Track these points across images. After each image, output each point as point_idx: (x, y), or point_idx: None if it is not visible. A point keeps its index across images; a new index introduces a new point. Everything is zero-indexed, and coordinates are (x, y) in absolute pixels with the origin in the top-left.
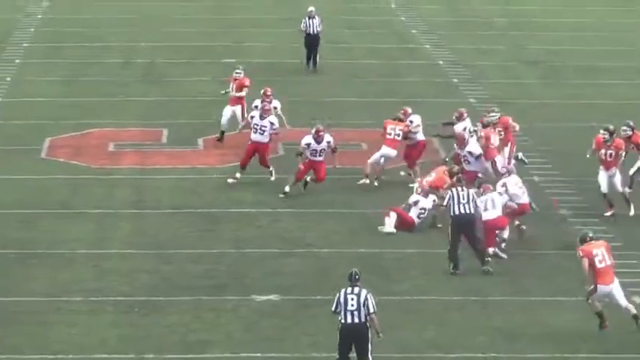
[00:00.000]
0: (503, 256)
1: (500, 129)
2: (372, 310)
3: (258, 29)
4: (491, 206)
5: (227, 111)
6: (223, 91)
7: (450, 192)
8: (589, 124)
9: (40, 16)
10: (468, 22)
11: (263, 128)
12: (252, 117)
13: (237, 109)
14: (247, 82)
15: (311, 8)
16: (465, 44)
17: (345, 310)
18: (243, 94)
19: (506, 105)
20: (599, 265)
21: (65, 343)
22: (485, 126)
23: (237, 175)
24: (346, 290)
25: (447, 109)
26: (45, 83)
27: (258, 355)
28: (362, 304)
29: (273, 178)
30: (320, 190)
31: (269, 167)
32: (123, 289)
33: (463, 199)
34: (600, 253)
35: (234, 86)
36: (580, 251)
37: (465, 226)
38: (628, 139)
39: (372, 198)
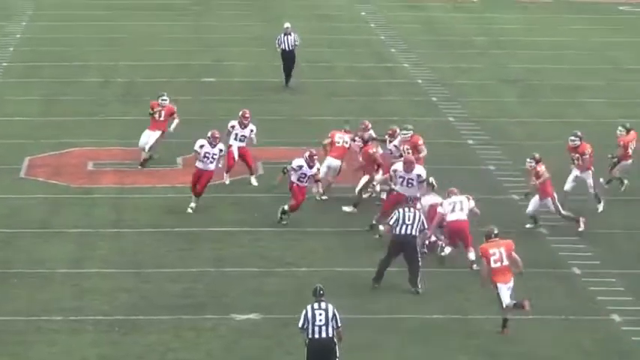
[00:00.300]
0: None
1: (408, 147)
2: (339, 324)
3: (238, 48)
4: (459, 208)
5: (146, 134)
6: (151, 112)
7: (396, 212)
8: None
9: (18, 36)
10: (447, 41)
11: (214, 156)
12: (232, 126)
13: (156, 133)
14: (175, 109)
15: (287, 25)
16: (444, 63)
17: (314, 325)
18: (174, 120)
19: (485, 123)
20: (494, 265)
21: None
22: (365, 141)
23: (193, 204)
24: (313, 306)
25: (426, 127)
26: (24, 102)
27: None
28: (330, 319)
29: (190, 209)
30: (300, 209)
31: (201, 195)
32: (103, 308)
33: (408, 220)
34: (498, 252)
35: (164, 112)
36: (480, 250)
37: (405, 247)
38: (575, 148)
39: (351, 217)
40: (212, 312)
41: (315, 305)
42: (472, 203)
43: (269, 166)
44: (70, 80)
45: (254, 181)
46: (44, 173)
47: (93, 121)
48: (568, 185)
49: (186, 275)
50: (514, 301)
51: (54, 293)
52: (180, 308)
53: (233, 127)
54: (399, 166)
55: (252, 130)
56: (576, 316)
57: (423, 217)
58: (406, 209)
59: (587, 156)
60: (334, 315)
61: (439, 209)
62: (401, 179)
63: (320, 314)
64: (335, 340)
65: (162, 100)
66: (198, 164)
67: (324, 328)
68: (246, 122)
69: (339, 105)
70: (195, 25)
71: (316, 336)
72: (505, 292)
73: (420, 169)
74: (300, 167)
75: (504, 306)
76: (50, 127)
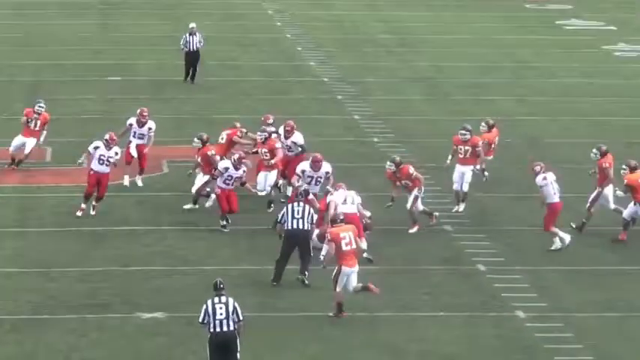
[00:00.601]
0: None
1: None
2: (241, 318)
3: (144, 47)
4: (350, 201)
5: (19, 140)
6: (27, 120)
7: (285, 207)
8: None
9: None
10: (353, 39)
11: (109, 159)
12: (130, 124)
13: (31, 141)
14: (49, 118)
15: (192, 25)
16: (350, 61)
17: (214, 319)
18: (43, 131)
19: (391, 121)
20: (345, 248)
21: None
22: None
23: (83, 205)
24: (213, 300)
25: (331, 125)
26: None
27: None
28: (231, 312)
29: (93, 212)
30: (205, 208)
31: (102, 198)
32: (7, 308)
33: (298, 214)
34: (348, 236)
35: (40, 121)
36: (329, 234)
37: (298, 241)
38: (465, 142)
39: (258, 215)
40: (117, 311)
41: (216, 299)
42: (359, 199)
43: (174, 165)
44: None
45: (139, 182)
46: None
47: None
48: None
49: (91, 275)
50: (361, 284)
51: None
52: (85, 307)
53: (131, 125)
54: (305, 165)
55: (150, 128)
56: (481, 313)
57: (312, 210)
58: (295, 204)
59: (480, 149)
60: (235, 309)
61: (329, 197)
62: (309, 179)
63: (220, 308)
64: (236, 333)
65: (39, 107)
66: (94, 166)
67: (224, 321)
68: (144, 120)
69: (247, 103)
70: (101, 23)
71: (217, 330)
72: (353, 276)
73: (326, 166)
74: (227, 169)
75: (351, 289)
76: None
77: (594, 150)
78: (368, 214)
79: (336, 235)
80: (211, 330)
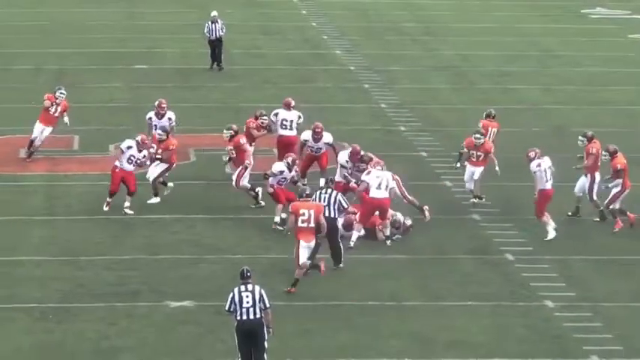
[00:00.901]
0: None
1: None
2: (267, 305)
3: (169, 35)
4: (384, 186)
5: (39, 127)
6: (49, 104)
7: (314, 195)
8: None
9: None
10: (379, 28)
11: (138, 161)
12: (150, 118)
13: (48, 130)
14: (68, 106)
15: (214, 13)
16: (376, 50)
17: (241, 307)
18: (64, 117)
19: (417, 110)
20: (300, 224)
21: None
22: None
23: (109, 199)
24: (240, 288)
25: (358, 113)
26: None
27: None
28: (257, 300)
29: (106, 208)
30: (234, 196)
31: (134, 192)
32: (36, 296)
33: (324, 201)
34: (307, 213)
35: (60, 108)
36: (291, 207)
37: (328, 229)
38: (478, 147)
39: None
40: (146, 299)
41: (242, 287)
42: (393, 184)
43: (201, 153)
44: (1, 68)
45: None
46: None
47: (24, 108)
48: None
49: (120, 263)
50: (310, 261)
51: None
52: (114, 296)
53: (150, 118)
54: (307, 135)
55: (170, 119)
56: (509, 302)
57: (340, 196)
58: (322, 190)
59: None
60: (261, 296)
61: (364, 176)
62: (310, 148)
63: (247, 296)
64: (263, 321)
65: (61, 94)
66: (122, 164)
67: (251, 309)
68: (162, 112)
69: (272, 92)
70: (127, 12)
71: (244, 318)
72: (304, 251)
73: (327, 137)
74: (282, 172)
75: (300, 263)
76: None
77: (580, 137)
78: (409, 222)
79: (296, 209)
80: (238, 318)
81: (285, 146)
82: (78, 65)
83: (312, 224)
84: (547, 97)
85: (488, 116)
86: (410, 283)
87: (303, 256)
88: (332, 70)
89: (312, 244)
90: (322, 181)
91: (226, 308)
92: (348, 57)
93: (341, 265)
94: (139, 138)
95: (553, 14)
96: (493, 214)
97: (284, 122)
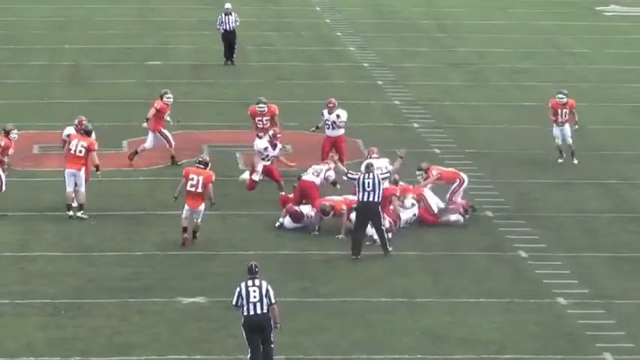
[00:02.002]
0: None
1: None
2: (273, 301)
3: (182, 31)
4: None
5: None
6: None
7: (357, 180)
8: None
9: None
10: (393, 25)
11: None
12: (68, 135)
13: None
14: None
15: (227, 5)
16: (389, 46)
17: (248, 302)
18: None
19: (431, 107)
20: (189, 188)
21: None
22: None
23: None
24: (247, 283)
25: (372, 110)
26: None
27: (185, 357)
28: (264, 295)
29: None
30: (246, 192)
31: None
32: (49, 292)
33: (369, 186)
34: (196, 179)
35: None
36: (184, 170)
37: (369, 214)
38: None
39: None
40: (158, 295)
41: (249, 282)
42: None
43: (214, 150)
44: (15, 63)
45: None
46: None
47: (38, 104)
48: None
49: (132, 259)
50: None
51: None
52: (126, 292)
53: (69, 135)
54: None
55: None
56: (522, 299)
57: (383, 179)
58: (365, 175)
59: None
60: (268, 291)
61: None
62: (326, 124)
63: (254, 291)
64: (269, 315)
65: (168, 98)
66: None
67: (258, 304)
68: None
69: (285, 88)
70: (140, 8)
71: (251, 312)
72: (190, 214)
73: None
74: (265, 149)
75: (183, 216)
76: None
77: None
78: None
79: (187, 173)
80: (245, 313)
81: (330, 146)
82: (92, 61)
83: (200, 190)
84: None
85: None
86: (422, 279)
87: (186, 221)
88: (346, 67)
89: (199, 209)
90: (363, 166)
91: (233, 303)
92: (361, 54)
93: (389, 250)
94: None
95: (567, 11)
96: (506, 211)
97: (327, 122)
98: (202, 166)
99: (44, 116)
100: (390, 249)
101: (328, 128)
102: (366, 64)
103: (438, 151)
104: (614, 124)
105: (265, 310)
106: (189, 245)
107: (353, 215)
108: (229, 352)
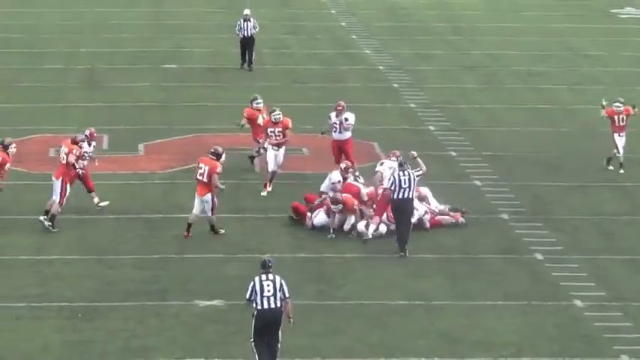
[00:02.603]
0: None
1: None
2: (287, 295)
3: (198, 34)
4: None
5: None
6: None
7: (392, 177)
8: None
9: None
10: (408, 27)
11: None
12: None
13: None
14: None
15: (246, 11)
16: (405, 49)
17: (262, 296)
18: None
19: (446, 109)
20: (198, 177)
21: (8, 349)
22: None
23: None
24: (260, 277)
25: (387, 113)
26: None
27: None
28: (278, 290)
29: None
30: (263, 196)
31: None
32: (66, 295)
33: (405, 183)
34: (203, 168)
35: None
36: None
37: (405, 210)
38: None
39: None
40: (175, 298)
41: (263, 277)
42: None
43: (229, 152)
44: (31, 67)
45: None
46: None
47: (54, 107)
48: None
49: (149, 262)
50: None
51: (16, 280)
52: (143, 295)
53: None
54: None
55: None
56: (539, 302)
57: (416, 179)
58: (401, 173)
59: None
60: (282, 286)
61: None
62: (333, 127)
63: (268, 285)
64: (282, 310)
65: (257, 103)
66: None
67: (272, 299)
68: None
69: (300, 92)
70: (155, 11)
71: (265, 306)
72: (198, 202)
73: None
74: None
75: (190, 218)
76: (11, 114)
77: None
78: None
79: (199, 162)
80: (259, 307)
81: (337, 149)
82: (107, 64)
83: (206, 179)
84: (576, 97)
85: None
86: (439, 282)
87: (196, 209)
88: (361, 70)
89: (205, 198)
90: (396, 164)
91: (247, 297)
92: (377, 57)
93: (405, 253)
94: (87, 132)
95: (582, 14)
96: (522, 214)
97: (334, 125)
98: (214, 157)
99: (60, 120)
100: (405, 254)
101: (335, 131)
102: (381, 67)
103: (454, 153)
104: (630, 127)
105: (279, 305)
106: (212, 238)
107: (361, 224)
108: (247, 356)
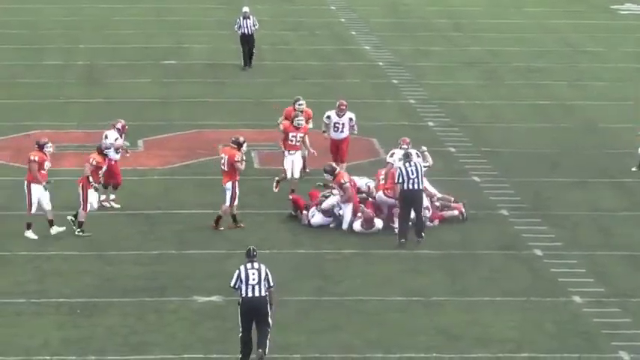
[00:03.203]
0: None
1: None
2: (272, 284)
3: (198, 31)
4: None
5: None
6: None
7: (399, 169)
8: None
9: None
10: (408, 24)
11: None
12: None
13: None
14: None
15: (245, 9)
16: (404, 45)
17: (247, 284)
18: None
19: (446, 105)
20: (222, 167)
21: (8, 344)
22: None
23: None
24: (246, 266)
25: (387, 109)
26: None
27: (201, 356)
28: (263, 279)
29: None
30: (262, 192)
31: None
32: (65, 291)
33: (412, 174)
34: (225, 158)
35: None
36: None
37: (414, 200)
38: None
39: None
40: (174, 294)
41: (249, 265)
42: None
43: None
44: (30, 63)
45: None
46: (5, 156)
47: (53, 103)
48: None
49: (148, 257)
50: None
51: (15, 276)
52: (142, 291)
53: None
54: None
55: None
56: (538, 298)
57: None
58: (407, 164)
59: None
60: (267, 275)
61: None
62: (334, 127)
63: (253, 273)
64: (267, 299)
65: (299, 105)
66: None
67: (256, 287)
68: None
69: (300, 87)
70: (155, 7)
71: (249, 295)
72: (226, 194)
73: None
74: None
75: (223, 208)
76: (12, 110)
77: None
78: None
79: (221, 152)
80: (243, 295)
81: (336, 148)
82: (106, 61)
83: (227, 168)
84: (576, 93)
85: None
86: (438, 278)
87: (226, 200)
88: (361, 66)
89: (227, 186)
90: (401, 154)
91: (231, 284)
92: (376, 53)
93: (422, 238)
94: (119, 125)
95: (582, 10)
96: (522, 210)
97: (336, 125)
98: (235, 146)
99: (59, 116)
100: (422, 239)
101: (336, 130)
102: (381, 63)
103: (453, 149)
104: (629, 123)
105: (264, 293)
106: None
107: (357, 225)
108: None
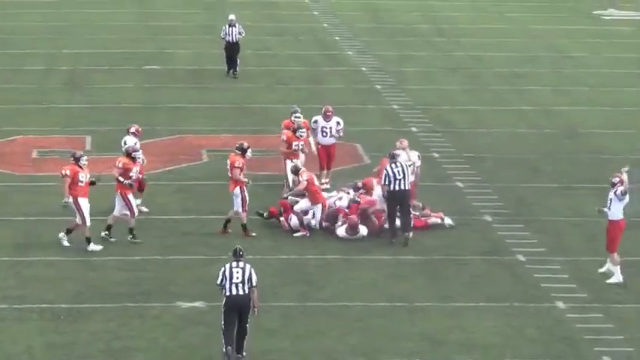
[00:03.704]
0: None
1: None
2: (255, 284)
3: (181, 36)
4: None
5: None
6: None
7: (385, 170)
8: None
9: None
10: (391, 29)
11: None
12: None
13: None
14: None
15: (231, 17)
16: (387, 51)
17: (231, 282)
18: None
19: (429, 111)
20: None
21: None
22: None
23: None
24: (231, 264)
25: (370, 114)
26: None
27: None
28: (247, 278)
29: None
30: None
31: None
32: (48, 297)
33: (399, 175)
34: (228, 164)
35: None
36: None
37: (401, 201)
38: None
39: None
40: (158, 300)
41: (234, 264)
42: (419, 163)
43: (213, 154)
44: (13, 68)
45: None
46: None
47: (37, 109)
48: None
49: (131, 263)
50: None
51: None
52: (125, 296)
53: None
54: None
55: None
56: (521, 303)
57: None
58: (393, 165)
59: None
60: (251, 274)
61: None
62: (322, 131)
63: (237, 272)
64: (250, 297)
65: (297, 117)
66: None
67: (240, 285)
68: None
69: (283, 93)
70: (139, 12)
71: (233, 293)
72: (233, 198)
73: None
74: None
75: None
76: None
77: None
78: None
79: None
80: (227, 293)
81: (325, 153)
82: (89, 66)
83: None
84: (560, 99)
85: None
86: (421, 284)
87: (233, 205)
88: (344, 71)
89: (235, 192)
90: (390, 155)
91: (217, 282)
92: (359, 58)
93: (410, 234)
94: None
95: (565, 15)
96: (505, 215)
97: (324, 130)
98: (239, 152)
99: (43, 121)
100: (410, 235)
101: (325, 135)
102: (364, 69)
103: (436, 155)
104: (613, 128)
105: (247, 292)
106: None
107: (341, 231)
108: None
